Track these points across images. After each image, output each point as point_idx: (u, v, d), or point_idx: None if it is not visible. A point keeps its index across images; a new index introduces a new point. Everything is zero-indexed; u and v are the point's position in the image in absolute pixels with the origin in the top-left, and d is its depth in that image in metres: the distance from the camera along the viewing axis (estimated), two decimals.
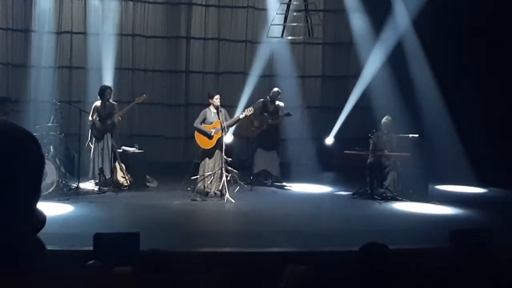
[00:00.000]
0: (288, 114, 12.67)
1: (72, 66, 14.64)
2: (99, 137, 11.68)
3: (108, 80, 13.59)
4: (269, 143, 12.67)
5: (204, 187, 11.18)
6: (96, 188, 11.51)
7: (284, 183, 12.74)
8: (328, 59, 15.80)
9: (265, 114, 12.54)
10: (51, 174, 10.31)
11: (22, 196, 1.43)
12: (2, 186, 1.40)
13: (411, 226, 9.27)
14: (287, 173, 13.34)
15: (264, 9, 14.92)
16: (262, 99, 12.80)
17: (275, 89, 12.91)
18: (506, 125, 13.21)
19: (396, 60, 14.09)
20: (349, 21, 14.91)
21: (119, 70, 14.53)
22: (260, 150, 12.64)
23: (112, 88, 12.29)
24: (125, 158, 11.94)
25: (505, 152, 12.77)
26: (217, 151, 11.14)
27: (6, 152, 1.42)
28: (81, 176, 11.36)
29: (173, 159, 14.46)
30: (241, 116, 11.43)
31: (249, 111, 11.46)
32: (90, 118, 11.72)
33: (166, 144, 14.97)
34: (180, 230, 8.84)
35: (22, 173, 1.43)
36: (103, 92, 11.76)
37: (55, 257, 1.53)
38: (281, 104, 12.71)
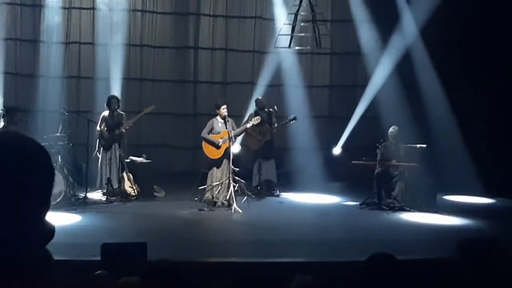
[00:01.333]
0: (294, 119, 12.73)
1: (80, 76, 14.69)
2: (106, 147, 11.72)
3: (116, 90, 13.64)
4: (268, 153, 12.73)
5: (212, 197, 11.18)
6: (103, 198, 11.55)
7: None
8: (335, 69, 15.79)
9: (266, 125, 12.58)
10: (59, 184, 10.30)
11: (31, 207, 1.44)
12: (12, 197, 1.41)
13: (419, 236, 9.25)
14: (294, 183, 13.35)
15: (271, 20, 14.95)
16: (252, 112, 12.88)
17: (259, 97, 13.06)
18: None
19: (404, 70, 14.08)
20: (356, 31, 14.93)
21: (127, 80, 14.56)
22: (261, 160, 12.66)
23: (120, 98, 12.35)
24: (133, 168, 11.96)
25: None
26: (224, 160, 11.15)
27: (16, 163, 1.42)
28: (89, 186, 11.39)
29: (181, 169, 14.46)
30: (248, 126, 11.46)
31: (256, 120, 11.50)
32: (98, 128, 11.77)
33: (173, 154, 14.98)
34: (187, 240, 8.83)
35: (31, 185, 1.44)
36: (109, 101, 11.82)
37: (62, 267, 1.54)
38: (271, 109, 12.79)
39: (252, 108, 13.82)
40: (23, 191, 1.42)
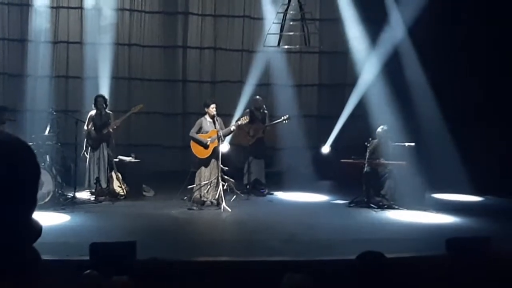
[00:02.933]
0: (288, 118, 12.73)
1: (69, 76, 14.63)
2: (94, 147, 11.69)
3: (104, 89, 13.60)
4: (260, 152, 12.79)
5: (201, 196, 11.17)
6: (92, 198, 11.51)
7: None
8: (324, 68, 15.82)
9: (260, 122, 12.65)
10: (47, 183, 10.30)
11: (17, 206, 1.43)
12: None
13: (408, 235, 9.26)
14: (283, 182, 13.36)
15: (260, 19, 14.97)
16: (247, 110, 12.91)
17: (258, 97, 13.08)
18: (503, 133, 13.20)
19: (392, 69, 14.11)
20: (345, 30, 14.94)
21: (116, 79, 14.51)
22: (253, 159, 12.69)
23: (109, 97, 12.34)
24: (122, 167, 11.93)
25: (501, 160, 12.78)
26: (213, 160, 11.14)
27: (1, 162, 1.42)
28: (77, 185, 11.34)
29: (170, 168, 14.43)
30: (235, 125, 11.47)
31: (244, 120, 11.50)
32: (85, 127, 11.74)
33: (162, 153, 14.95)
34: (176, 239, 8.82)
35: (17, 184, 1.43)
36: (95, 101, 11.82)
37: (51, 267, 1.53)
38: (266, 111, 12.86)
39: (242, 106, 13.86)
40: (8, 189, 1.41)
